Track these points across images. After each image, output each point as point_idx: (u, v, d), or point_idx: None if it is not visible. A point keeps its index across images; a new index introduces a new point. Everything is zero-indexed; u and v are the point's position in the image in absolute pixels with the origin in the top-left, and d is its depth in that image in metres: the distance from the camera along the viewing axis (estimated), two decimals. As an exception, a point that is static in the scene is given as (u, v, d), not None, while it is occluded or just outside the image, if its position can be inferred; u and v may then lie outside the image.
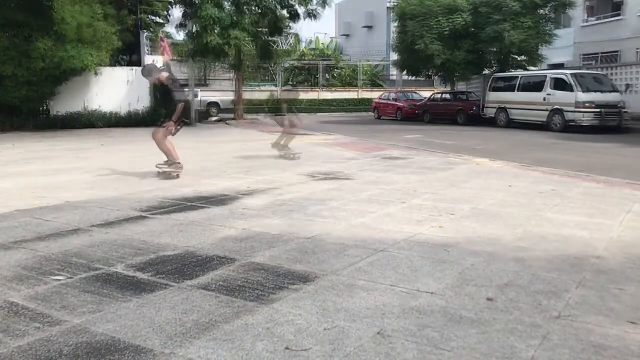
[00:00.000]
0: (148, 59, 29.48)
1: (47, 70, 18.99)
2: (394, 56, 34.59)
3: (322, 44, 54.85)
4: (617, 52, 30.12)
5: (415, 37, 27.42)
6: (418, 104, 30.85)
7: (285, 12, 27.42)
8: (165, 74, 8.30)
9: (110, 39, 20.97)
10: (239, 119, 28.09)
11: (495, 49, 26.57)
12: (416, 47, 27.25)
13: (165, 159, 8.31)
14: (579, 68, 27.00)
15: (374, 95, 39.36)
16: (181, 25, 26.41)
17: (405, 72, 33.29)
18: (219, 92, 43.67)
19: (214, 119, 29.28)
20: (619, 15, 30.44)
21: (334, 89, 46.45)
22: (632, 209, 5.71)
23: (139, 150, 12.90)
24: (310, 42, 56.21)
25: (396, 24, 30.64)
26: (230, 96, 33.13)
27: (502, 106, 23.74)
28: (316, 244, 4.35)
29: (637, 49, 28.59)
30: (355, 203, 6.11)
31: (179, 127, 8.21)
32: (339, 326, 2.77)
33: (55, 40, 18.75)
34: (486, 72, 29.64)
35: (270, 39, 29.97)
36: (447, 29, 26.52)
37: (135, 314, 2.95)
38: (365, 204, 6.04)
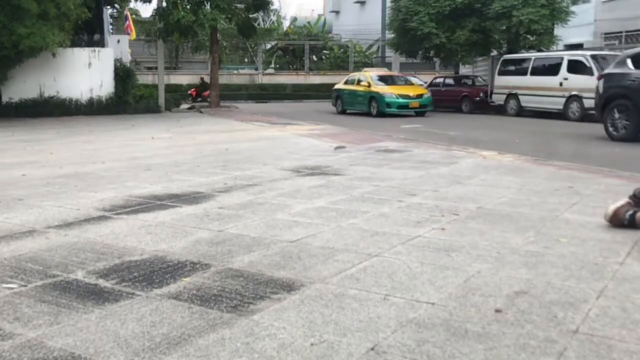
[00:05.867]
0: (111, 39, 29.30)
1: (1, 50, 18.72)
2: (390, 35, 34.58)
3: (309, 22, 54.71)
4: (642, 30, 30.19)
5: (409, 14, 27.36)
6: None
7: None
8: None
9: (76, 12, 20.56)
10: (214, 106, 27.93)
11: (503, 27, 26.57)
12: (409, 25, 27.20)
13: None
14: (600, 49, 27.03)
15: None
16: (147, 0, 26.32)
17: (400, 54, 33.27)
18: (190, 76, 43.48)
19: (186, 106, 29.16)
20: (645, -12, 30.48)
21: (322, 72, 46.31)
22: (658, 208, 5.72)
23: (101, 142, 12.85)
24: (295, 19, 56.06)
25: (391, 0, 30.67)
26: None
27: (512, 92, 23.78)
28: (301, 247, 4.35)
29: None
30: (346, 202, 6.12)
31: None
32: (327, 341, 2.77)
33: (11, 16, 18.39)
34: (494, 53, 29.66)
35: (250, 14, 29.88)
36: (447, 7, 26.50)
37: (97, 327, 2.94)
38: (357, 203, 6.05)
